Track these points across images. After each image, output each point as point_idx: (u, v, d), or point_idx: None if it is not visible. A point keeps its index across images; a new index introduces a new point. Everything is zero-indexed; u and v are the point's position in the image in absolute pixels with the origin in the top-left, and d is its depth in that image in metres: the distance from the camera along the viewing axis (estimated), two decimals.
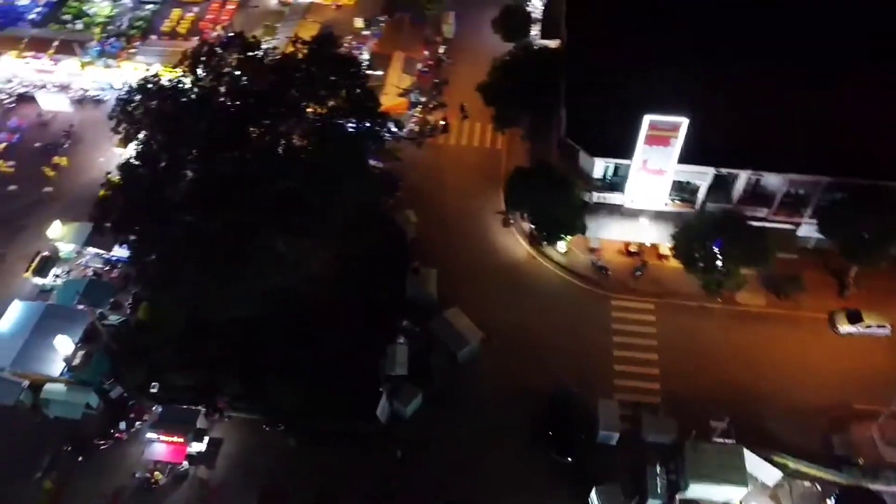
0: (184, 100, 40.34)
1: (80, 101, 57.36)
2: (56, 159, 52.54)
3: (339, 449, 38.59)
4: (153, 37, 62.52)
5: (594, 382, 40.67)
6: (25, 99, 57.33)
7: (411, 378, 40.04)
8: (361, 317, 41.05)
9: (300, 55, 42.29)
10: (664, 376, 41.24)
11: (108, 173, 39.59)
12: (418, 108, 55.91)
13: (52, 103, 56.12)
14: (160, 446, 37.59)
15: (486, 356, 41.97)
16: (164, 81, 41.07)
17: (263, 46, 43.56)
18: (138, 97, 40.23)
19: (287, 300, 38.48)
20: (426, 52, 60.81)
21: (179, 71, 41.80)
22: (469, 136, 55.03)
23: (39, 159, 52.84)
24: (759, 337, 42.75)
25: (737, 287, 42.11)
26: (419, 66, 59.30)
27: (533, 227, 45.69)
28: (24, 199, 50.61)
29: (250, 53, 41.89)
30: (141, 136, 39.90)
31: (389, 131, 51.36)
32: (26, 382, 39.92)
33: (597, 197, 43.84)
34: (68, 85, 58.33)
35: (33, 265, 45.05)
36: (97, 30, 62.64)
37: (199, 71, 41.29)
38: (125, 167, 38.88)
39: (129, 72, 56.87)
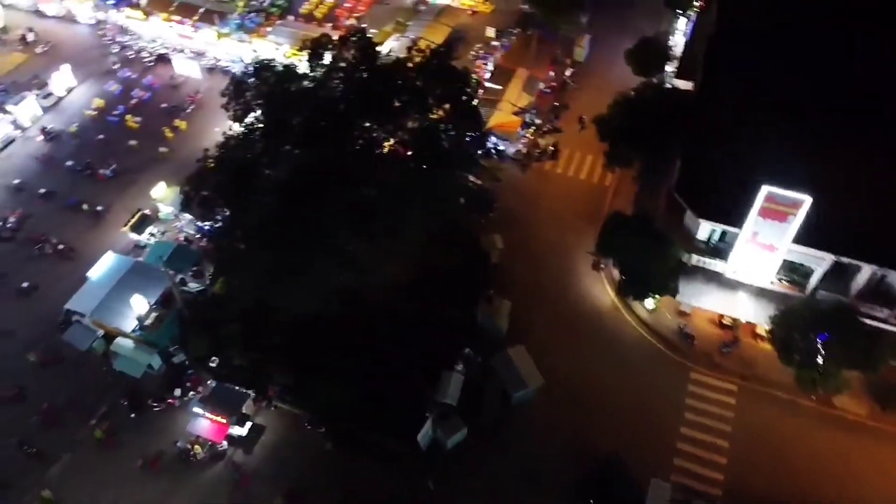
0: (293, 88, 40.69)
1: (211, 70, 59.75)
2: (177, 122, 54.95)
3: (373, 463, 37.83)
4: (290, 17, 64.09)
5: (651, 456, 37.59)
6: (163, 60, 60.39)
7: (460, 409, 38.58)
8: (426, 335, 40.05)
9: (412, 63, 41.52)
10: (731, 468, 37.51)
11: (206, 150, 40.49)
12: (531, 130, 53.99)
13: (186, 68, 58.70)
14: (204, 422, 38.24)
15: (542, 403, 39.80)
16: (279, 66, 41.55)
17: (384, 46, 43.29)
18: (252, 79, 40.99)
19: (354, 302, 38.06)
20: (552, 73, 58.72)
21: (300, 55, 42.23)
22: (577, 168, 52.58)
23: (163, 120, 55.48)
24: (851, 450, 38.03)
25: (835, 390, 37.60)
26: (541, 85, 57.32)
27: (622, 277, 42.94)
28: (141, 155, 53.20)
29: (369, 51, 41.78)
30: (249, 118, 40.75)
31: (494, 149, 50.05)
32: (101, 332, 41.85)
33: (696, 260, 40.38)
34: (203, 53, 60.98)
35: (132, 221, 47.17)
36: (241, 3, 65.07)
37: (316, 60, 41.54)
38: (224, 145, 39.72)
39: (259, 48, 58.68)
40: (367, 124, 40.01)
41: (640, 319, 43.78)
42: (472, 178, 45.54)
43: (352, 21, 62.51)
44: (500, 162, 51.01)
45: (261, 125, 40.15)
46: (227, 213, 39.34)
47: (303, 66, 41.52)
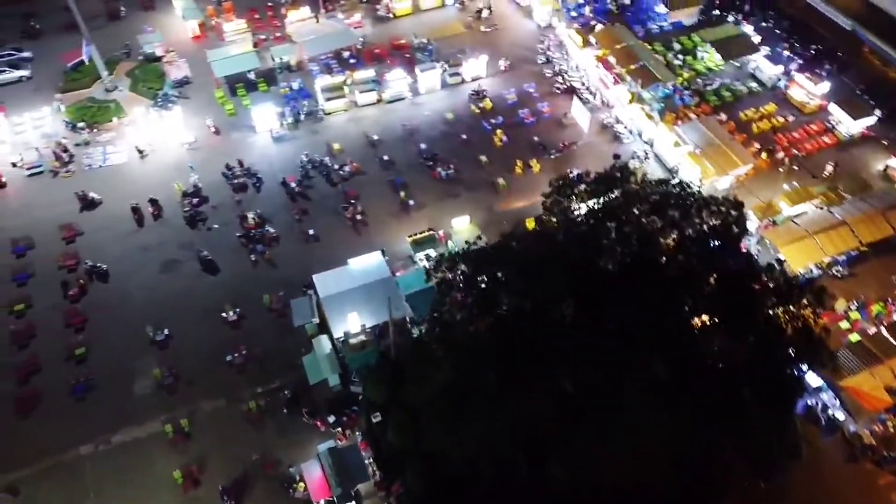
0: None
1: (604, 127, 54.38)
2: (533, 161, 51.21)
3: None
4: (722, 115, 54.55)
5: None
6: (570, 93, 56.67)
7: None
8: None
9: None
10: None
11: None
12: None
13: (580, 114, 54.13)
14: (316, 471, 35.99)
15: None
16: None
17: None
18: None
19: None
20: None
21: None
22: None
23: (524, 151, 52.35)
24: None
25: None
26: None
27: None
28: (480, 173, 51.14)
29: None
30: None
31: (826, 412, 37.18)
32: (317, 319, 41.82)
33: None
34: (608, 105, 55.64)
35: (419, 235, 45.67)
36: (685, 75, 57.51)
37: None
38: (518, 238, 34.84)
39: (655, 134, 51.49)
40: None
41: None
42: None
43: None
44: (821, 430, 37.51)
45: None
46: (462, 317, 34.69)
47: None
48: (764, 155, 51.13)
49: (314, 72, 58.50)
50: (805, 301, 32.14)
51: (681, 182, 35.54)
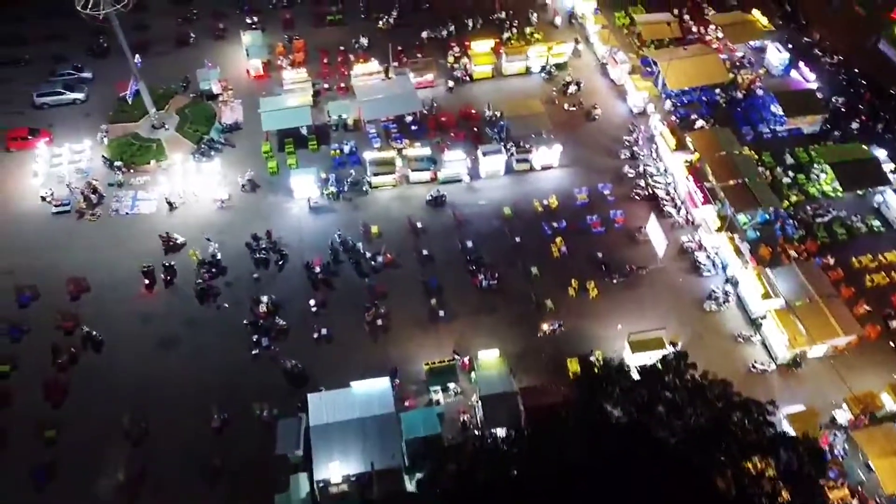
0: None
1: (684, 252, 46.27)
2: (591, 285, 44.31)
3: None
4: (830, 259, 45.43)
5: None
6: (652, 201, 48.94)
7: None
8: None
9: None
10: None
11: None
12: None
13: (656, 232, 46.01)
14: None
15: None
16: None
17: None
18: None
19: None
20: None
21: None
22: None
23: (580, 267, 45.23)
24: None
25: None
26: None
27: None
28: (514, 288, 44.61)
29: None
30: None
31: None
32: (300, 452, 36.44)
33: None
34: (693, 224, 47.48)
35: (436, 364, 39.51)
36: (793, 198, 48.57)
37: None
38: None
39: (745, 274, 43.18)
40: None
41: None
42: None
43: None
44: None
45: None
46: None
47: None
48: (875, 322, 42.00)
49: (371, 135, 53.39)
50: None
51: (747, 403, 27.72)
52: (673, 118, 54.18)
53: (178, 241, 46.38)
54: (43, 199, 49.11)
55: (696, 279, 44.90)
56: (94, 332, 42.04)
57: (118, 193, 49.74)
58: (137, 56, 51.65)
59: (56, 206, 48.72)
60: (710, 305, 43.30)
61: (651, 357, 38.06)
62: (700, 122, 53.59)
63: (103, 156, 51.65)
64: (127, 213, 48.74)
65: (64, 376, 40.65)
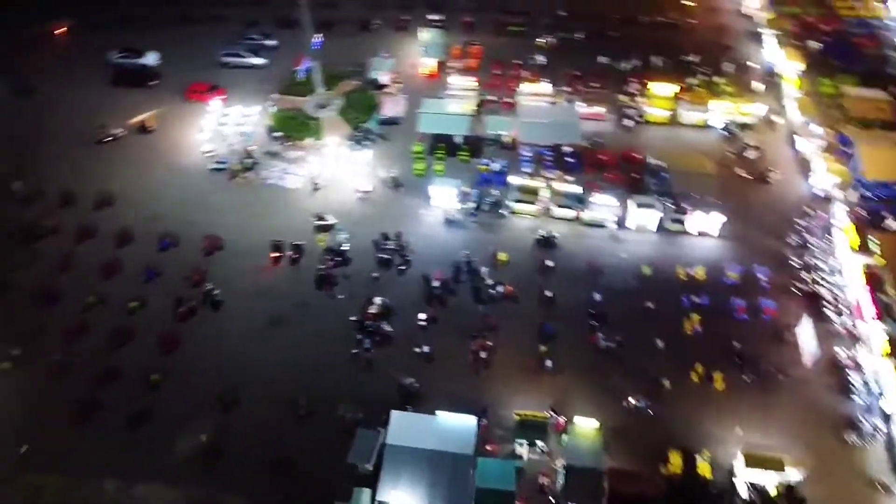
0: None
1: (835, 366, 40.68)
2: (718, 376, 39.96)
3: None
4: None
5: None
6: (812, 300, 43.56)
7: None
8: None
9: None
10: None
11: None
12: None
13: (808, 336, 41.05)
14: None
15: None
16: None
17: None
18: None
19: None
20: None
21: None
22: None
23: (711, 353, 41.05)
24: None
25: None
26: None
27: None
28: (633, 356, 41.08)
29: None
30: None
31: None
32: (371, 467, 35.58)
33: None
34: (855, 337, 41.64)
35: (528, 415, 37.29)
36: None
37: None
38: None
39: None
40: None
41: None
42: None
43: None
44: None
45: None
46: None
47: None
48: None
49: (524, 157, 51.54)
50: None
51: None
52: (861, 212, 47.87)
53: (329, 222, 46.90)
54: (204, 153, 51.66)
55: (843, 402, 39.30)
56: (217, 292, 43.62)
57: (272, 163, 51.35)
58: (321, 35, 52.91)
59: (215, 162, 51.06)
60: (852, 437, 37.67)
61: (765, 478, 34.21)
62: (893, 224, 46.95)
63: (267, 124, 53.51)
64: (273, 183, 50.19)
65: (179, 327, 42.52)
